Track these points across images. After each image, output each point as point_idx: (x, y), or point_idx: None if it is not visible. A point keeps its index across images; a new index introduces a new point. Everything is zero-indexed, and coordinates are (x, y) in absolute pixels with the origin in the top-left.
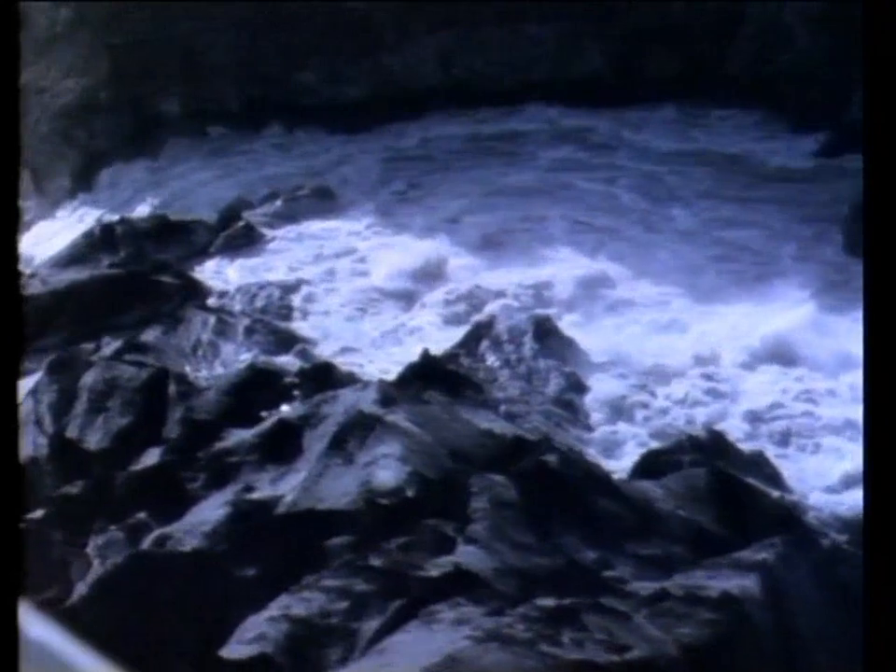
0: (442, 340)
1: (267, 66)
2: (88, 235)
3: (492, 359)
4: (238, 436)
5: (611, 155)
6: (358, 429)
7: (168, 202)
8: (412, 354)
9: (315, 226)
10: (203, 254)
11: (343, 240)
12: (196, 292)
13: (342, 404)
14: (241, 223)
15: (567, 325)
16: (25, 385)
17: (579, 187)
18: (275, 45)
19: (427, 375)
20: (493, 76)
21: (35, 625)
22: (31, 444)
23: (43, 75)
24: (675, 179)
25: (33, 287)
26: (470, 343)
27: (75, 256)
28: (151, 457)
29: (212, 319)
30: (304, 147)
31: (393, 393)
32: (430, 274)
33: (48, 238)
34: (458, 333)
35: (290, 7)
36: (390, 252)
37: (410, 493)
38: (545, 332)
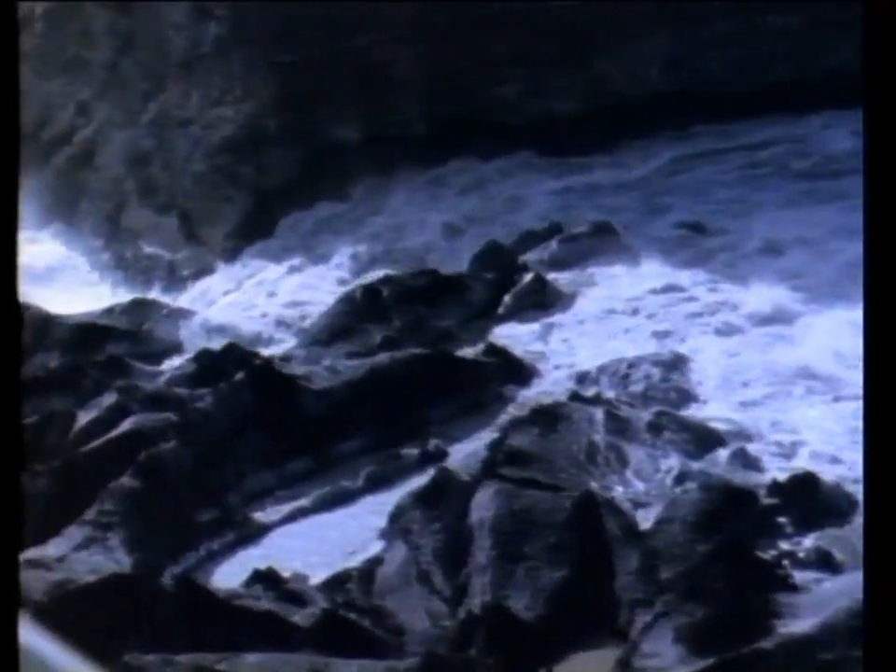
0: None
1: (460, 81)
2: (347, 301)
3: None
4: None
5: None
6: None
7: (374, 247)
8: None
9: (608, 273)
10: (487, 316)
11: (665, 294)
12: (521, 373)
13: None
14: (529, 276)
15: None
16: (349, 511)
17: None
18: (469, 55)
19: None
20: (728, 79)
21: (32, 636)
22: (425, 614)
23: (181, 104)
24: None
25: (319, 378)
26: None
27: (338, 328)
28: (664, 647)
29: (599, 414)
30: (516, 172)
31: None
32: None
33: (222, 297)
34: None
35: (484, 9)
36: (752, 310)
37: None
38: None
